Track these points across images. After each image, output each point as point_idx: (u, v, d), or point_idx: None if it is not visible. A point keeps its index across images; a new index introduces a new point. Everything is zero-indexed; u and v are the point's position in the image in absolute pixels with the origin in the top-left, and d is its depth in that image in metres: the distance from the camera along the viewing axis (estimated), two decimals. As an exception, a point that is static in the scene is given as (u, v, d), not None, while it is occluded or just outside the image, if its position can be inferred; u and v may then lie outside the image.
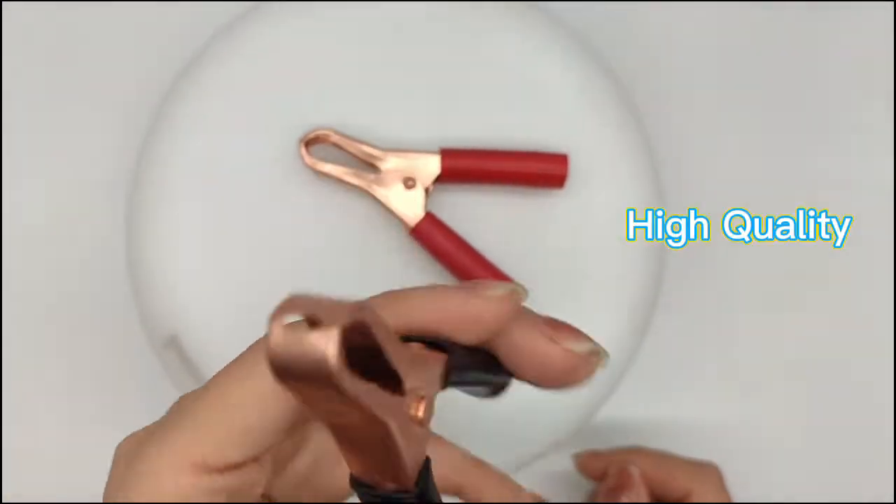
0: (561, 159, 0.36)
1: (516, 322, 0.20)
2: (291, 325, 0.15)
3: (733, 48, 0.45)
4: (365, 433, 0.17)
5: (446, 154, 0.36)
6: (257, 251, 0.37)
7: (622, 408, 0.44)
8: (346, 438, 0.17)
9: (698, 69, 0.45)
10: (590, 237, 0.38)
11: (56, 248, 0.43)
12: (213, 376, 0.21)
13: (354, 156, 0.36)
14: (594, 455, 0.41)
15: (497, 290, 0.19)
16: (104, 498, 0.22)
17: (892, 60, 0.45)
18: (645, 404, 0.44)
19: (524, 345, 0.20)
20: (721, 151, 0.45)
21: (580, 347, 0.20)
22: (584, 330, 0.36)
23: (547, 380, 0.20)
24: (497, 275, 0.36)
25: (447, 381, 0.19)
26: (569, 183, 0.37)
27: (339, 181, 0.36)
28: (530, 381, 0.20)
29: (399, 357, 0.17)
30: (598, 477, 0.41)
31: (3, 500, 0.41)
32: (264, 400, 0.19)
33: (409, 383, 0.17)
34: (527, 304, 0.21)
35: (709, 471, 0.39)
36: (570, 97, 0.38)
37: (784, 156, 0.45)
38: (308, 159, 0.36)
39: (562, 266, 0.37)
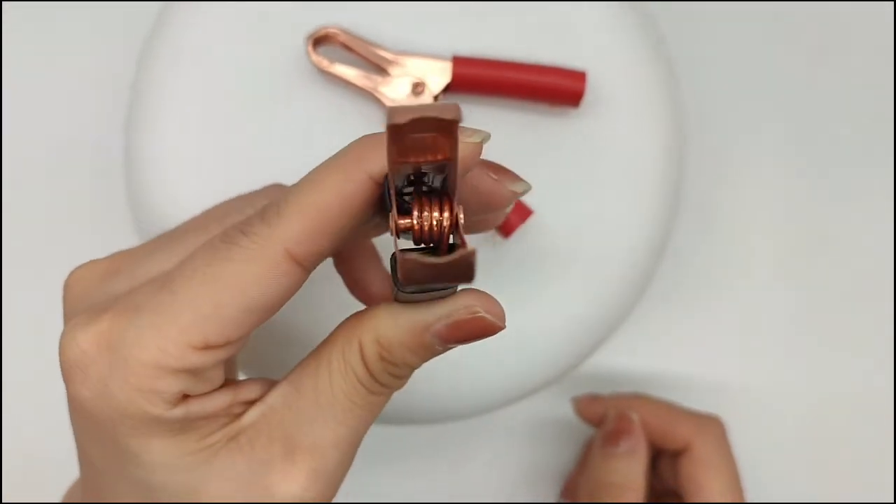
0: (578, 76, 0.35)
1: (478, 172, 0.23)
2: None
3: (736, 47, 0.44)
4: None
5: (458, 61, 0.34)
6: (259, 151, 0.36)
7: (621, 355, 0.42)
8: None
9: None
10: (602, 162, 0.36)
11: (55, 158, 0.42)
12: (199, 257, 0.22)
13: (363, 57, 0.35)
14: (594, 399, 0.40)
15: (476, 136, 0.21)
16: (73, 378, 0.22)
17: (892, 60, 0.44)
18: (644, 353, 0.43)
19: (478, 184, 0.23)
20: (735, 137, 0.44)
21: (519, 188, 0.23)
22: (586, 264, 0.35)
23: (485, 210, 0.23)
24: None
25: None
26: (584, 103, 0.35)
27: (346, 83, 0.35)
28: (470, 213, 0.23)
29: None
30: (597, 421, 0.39)
31: (4, 501, 0.41)
32: (268, 279, 0.21)
33: None
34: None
35: (711, 423, 0.38)
36: (593, 17, 0.36)
37: (781, 155, 0.44)
38: (315, 58, 0.35)
39: (569, 189, 0.36)
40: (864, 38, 0.44)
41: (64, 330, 0.23)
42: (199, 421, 0.23)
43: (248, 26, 0.36)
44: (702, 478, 0.36)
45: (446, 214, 0.20)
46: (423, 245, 0.20)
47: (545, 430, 0.42)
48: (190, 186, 0.36)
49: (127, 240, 0.39)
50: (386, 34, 0.35)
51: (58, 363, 0.23)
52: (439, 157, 0.19)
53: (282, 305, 0.22)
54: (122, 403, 0.22)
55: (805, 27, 0.44)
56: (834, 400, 0.43)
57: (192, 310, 0.21)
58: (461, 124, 0.20)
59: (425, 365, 0.35)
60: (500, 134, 0.36)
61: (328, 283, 0.35)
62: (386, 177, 0.21)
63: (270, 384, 0.24)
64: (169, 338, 0.21)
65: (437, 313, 0.22)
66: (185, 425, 0.22)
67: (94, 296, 0.24)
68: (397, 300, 0.23)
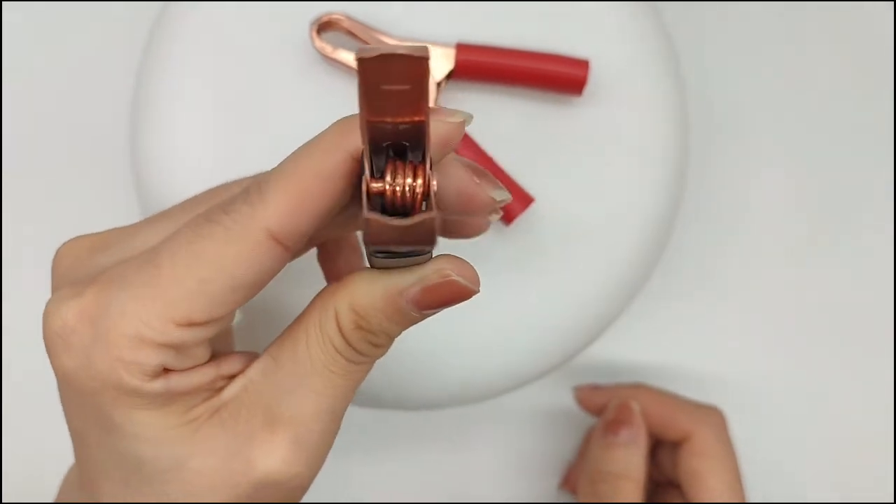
0: (581, 64, 0.35)
1: (452, 164, 0.22)
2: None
3: (739, 36, 0.44)
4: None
5: (462, 48, 0.35)
6: (262, 136, 0.36)
7: (622, 345, 0.42)
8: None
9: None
10: (604, 150, 0.36)
11: (60, 149, 0.42)
12: (182, 234, 0.22)
13: (367, 44, 0.35)
14: (595, 388, 0.40)
15: (457, 116, 0.21)
16: (56, 348, 0.22)
17: (892, 60, 0.44)
18: (645, 343, 0.43)
19: (457, 182, 0.22)
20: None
21: (498, 195, 0.23)
22: (588, 253, 0.35)
23: (465, 213, 0.23)
24: (502, 177, 0.35)
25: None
26: (587, 92, 0.35)
27: (349, 69, 0.35)
28: (450, 213, 0.23)
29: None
30: (597, 411, 0.39)
31: (4, 501, 0.41)
32: (250, 259, 0.21)
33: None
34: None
35: (712, 414, 0.38)
36: (596, 5, 0.36)
37: (785, 146, 0.43)
38: (318, 43, 0.35)
39: (571, 177, 0.36)
40: (866, 35, 0.44)
41: (48, 302, 0.23)
42: (181, 395, 0.23)
43: (251, 13, 0.36)
44: (701, 468, 0.36)
45: (419, 181, 0.20)
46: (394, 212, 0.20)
47: (545, 419, 0.42)
48: (194, 173, 0.36)
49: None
50: (389, 20, 0.35)
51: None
52: (414, 118, 0.19)
53: (266, 283, 0.22)
54: (104, 373, 0.22)
55: (808, 17, 0.44)
56: (834, 395, 0.43)
57: (177, 286, 0.21)
58: (442, 106, 0.21)
59: (424, 349, 0.36)
60: (502, 121, 0.36)
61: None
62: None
63: (252, 357, 0.24)
64: (152, 312, 0.21)
65: (410, 278, 0.22)
66: (167, 399, 0.22)
67: (81, 269, 0.24)
68: (373, 267, 0.23)
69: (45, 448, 0.41)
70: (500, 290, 0.36)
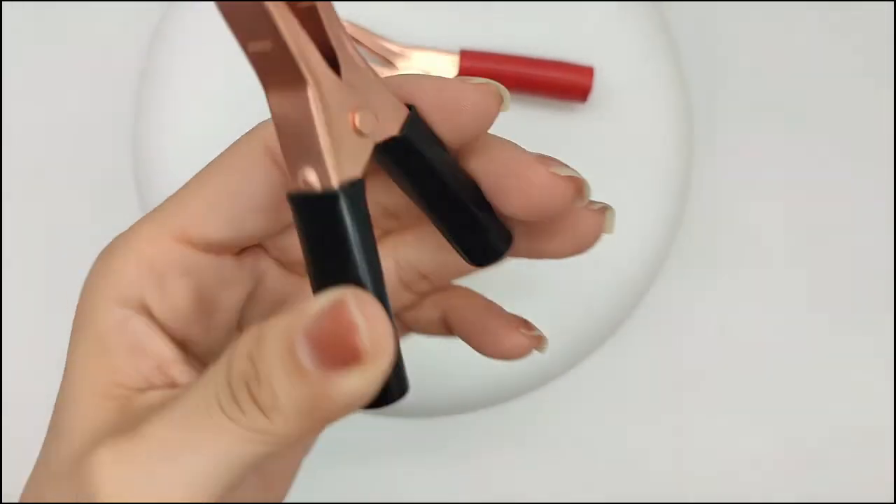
0: (586, 71, 0.34)
1: (501, 144, 0.20)
2: None
3: (742, 41, 0.43)
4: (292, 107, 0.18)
5: (466, 55, 0.34)
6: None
7: (626, 349, 0.42)
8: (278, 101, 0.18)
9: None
10: (609, 157, 0.36)
11: (60, 142, 0.42)
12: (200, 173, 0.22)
13: (370, 50, 0.35)
14: None
15: (481, 80, 0.19)
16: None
17: (892, 60, 0.43)
18: (648, 347, 0.42)
19: (511, 164, 0.19)
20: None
21: (565, 171, 0.19)
22: (593, 259, 0.35)
23: (528, 206, 0.19)
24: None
25: (403, 129, 0.19)
26: (592, 98, 0.35)
27: (353, 75, 0.35)
28: (508, 212, 0.20)
29: (343, 45, 0.17)
30: None
31: (4, 501, 0.41)
32: (256, 169, 0.21)
33: (346, 73, 0.17)
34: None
35: None
36: (601, 12, 0.36)
37: (788, 149, 0.43)
38: (322, 49, 0.34)
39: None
40: (866, 34, 0.44)
41: None
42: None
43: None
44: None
45: None
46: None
47: (546, 429, 0.42)
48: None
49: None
50: (393, 27, 0.35)
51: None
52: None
53: (275, 205, 0.21)
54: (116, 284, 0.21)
55: (810, 18, 0.44)
56: (834, 394, 0.43)
57: (185, 209, 0.21)
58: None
59: (419, 356, 0.35)
60: (506, 128, 0.36)
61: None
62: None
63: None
64: (159, 236, 0.21)
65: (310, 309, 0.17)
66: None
67: None
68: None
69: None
70: (505, 298, 0.36)
